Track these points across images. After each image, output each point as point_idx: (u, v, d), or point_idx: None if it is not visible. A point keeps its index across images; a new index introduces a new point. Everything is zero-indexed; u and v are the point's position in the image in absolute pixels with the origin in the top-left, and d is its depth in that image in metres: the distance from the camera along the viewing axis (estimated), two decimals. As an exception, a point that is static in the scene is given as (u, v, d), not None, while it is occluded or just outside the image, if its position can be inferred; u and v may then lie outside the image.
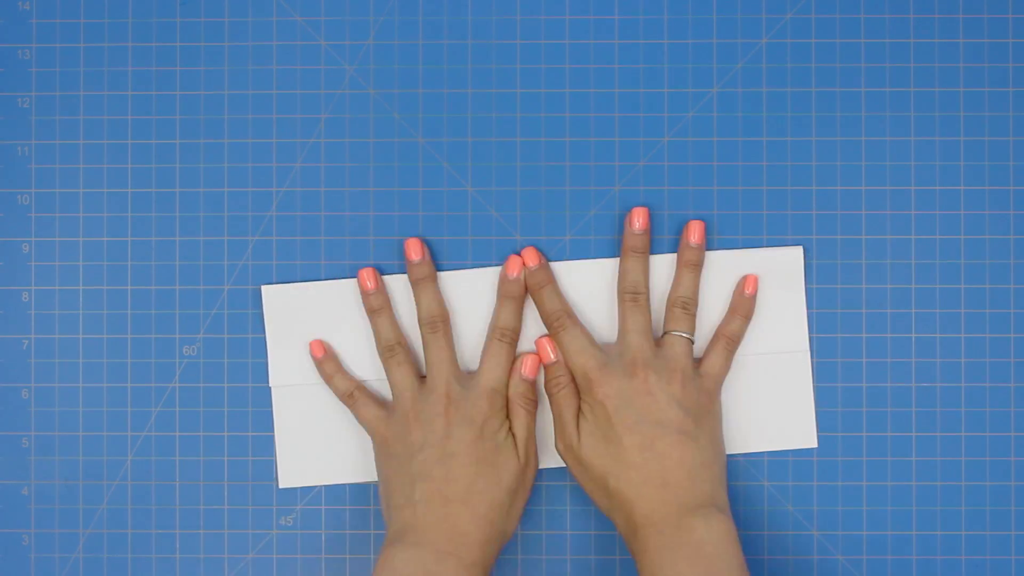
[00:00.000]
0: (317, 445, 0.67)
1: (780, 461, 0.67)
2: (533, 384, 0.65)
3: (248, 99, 0.67)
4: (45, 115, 0.67)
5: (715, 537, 0.59)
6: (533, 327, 0.66)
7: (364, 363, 0.67)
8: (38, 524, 0.67)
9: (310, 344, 0.66)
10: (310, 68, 0.67)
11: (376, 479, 0.66)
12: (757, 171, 0.67)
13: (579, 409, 0.64)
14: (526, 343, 0.66)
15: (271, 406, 0.67)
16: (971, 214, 0.67)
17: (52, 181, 0.67)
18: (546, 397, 0.66)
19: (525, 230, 0.67)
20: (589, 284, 0.67)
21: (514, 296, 0.65)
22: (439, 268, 0.67)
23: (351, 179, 0.67)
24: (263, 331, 0.67)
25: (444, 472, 0.61)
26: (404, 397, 0.63)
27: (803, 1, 0.67)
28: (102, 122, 0.67)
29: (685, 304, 0.64)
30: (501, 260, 0.67)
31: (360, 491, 0.67)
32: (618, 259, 0.66)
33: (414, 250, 0.65)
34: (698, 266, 0.65)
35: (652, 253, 0.66)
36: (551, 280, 0.66)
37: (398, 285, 0.67)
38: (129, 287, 0.67)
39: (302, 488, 0.67)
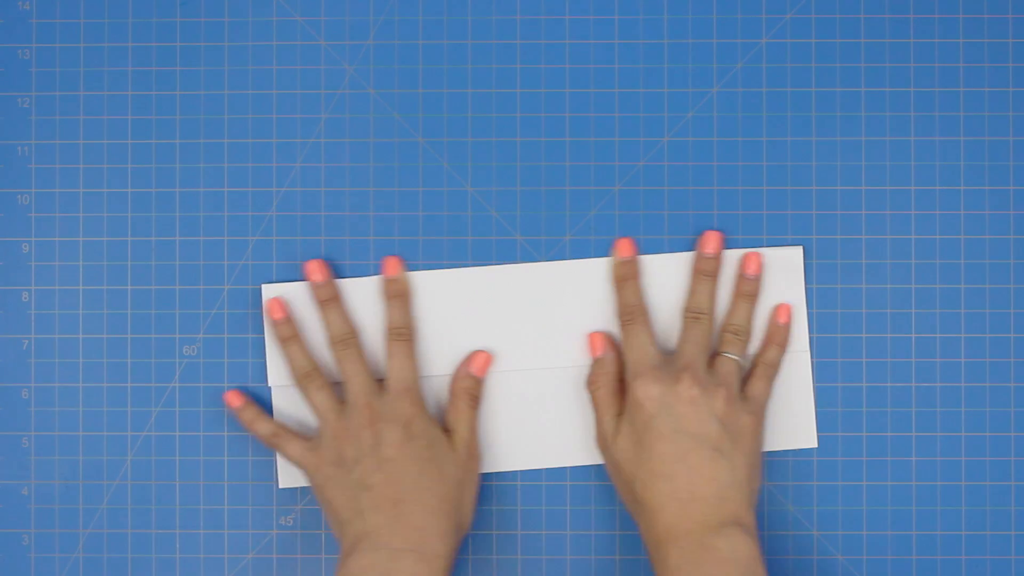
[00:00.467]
0: (317, 445, 0.67)
1: (780, 461, 0.67)
2: (480, 381, 0.65)
3: (248, 99, 0.67)
4: (45, 115, 0.67)
5: (739, 557, 0.59)
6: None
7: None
8: (38, 524, 0.67)
9: (226, 395, 0.66)
10: (310, 68, 0.67)
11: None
12: (757, 171, 0.67)
13: (620, 409, 0.64)
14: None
15: (271, 406, 0.67)
16: (971, 214, 0.67)
17: (52, 181, 0.67)
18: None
19: (525, 230, 0.67)
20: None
21: (400, 295, 0.65)
22: (439, 268, 0.67)
23: (351, 179, 0.67)
24: (263, 331, 0.67)
25: (384, 477, 0.61)
26: (328, 418, 0.63)
27: (803, 1, 0.67)
28: (102, 122, 0.67)
29: (737, 331, 0.65)
30: (501, 260, 0.67)
31: (360, 491, 0.67)
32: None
33: (317, 273, 0.65)
34: (754, 296, 0.66)
35: (652, 253, 0.67)
36: (637, 275, 0.66)
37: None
38: (129, 287, 0.67)
39: (302, 488, 0.67)
